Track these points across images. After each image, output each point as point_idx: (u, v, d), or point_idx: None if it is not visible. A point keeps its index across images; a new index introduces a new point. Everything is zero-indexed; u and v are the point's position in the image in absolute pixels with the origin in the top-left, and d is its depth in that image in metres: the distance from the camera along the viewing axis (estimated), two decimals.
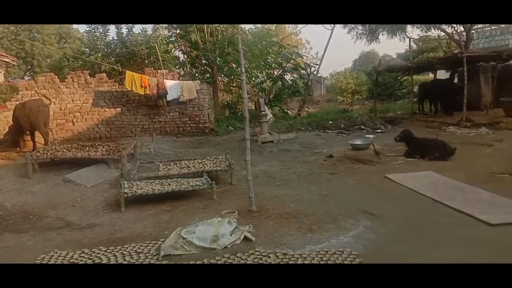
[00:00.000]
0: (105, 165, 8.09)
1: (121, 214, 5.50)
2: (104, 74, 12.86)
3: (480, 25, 17.02)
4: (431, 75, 20.56)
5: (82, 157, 8.03)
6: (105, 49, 16.79)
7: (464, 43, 14.54)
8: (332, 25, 20.33)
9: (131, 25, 17.13)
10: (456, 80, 15.64)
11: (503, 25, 17.50)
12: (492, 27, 18.13)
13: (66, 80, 12.39)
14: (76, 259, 3.93)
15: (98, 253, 4.03)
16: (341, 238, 4.07)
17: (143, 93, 11.73)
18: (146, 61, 16.13)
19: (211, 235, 4.08)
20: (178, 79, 12.73)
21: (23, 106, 9.32)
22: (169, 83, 12.10)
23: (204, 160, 7.85)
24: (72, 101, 12.29)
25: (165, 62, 16.02)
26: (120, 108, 12.46)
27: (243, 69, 5.50)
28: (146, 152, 9.40)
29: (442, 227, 4.18)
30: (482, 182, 5.76)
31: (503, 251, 3.46)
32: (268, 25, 31.94)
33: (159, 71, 12.64)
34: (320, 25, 19.89)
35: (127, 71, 11.59)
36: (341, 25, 18.89)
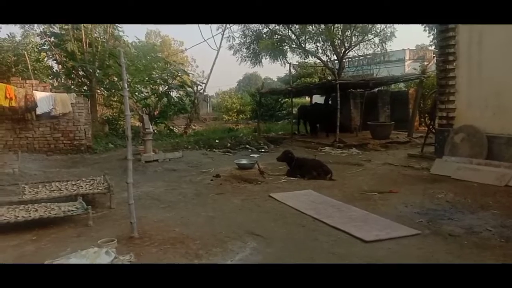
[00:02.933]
0: None
1: None
2: None
3: (350, 55, 18.95)
4: (307, 99, 22.18)
5: None
6: None
7: (337, 71, 16.00)
8: (218, 45, 20.80)
9: None
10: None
11: (369, 56, 19.76)
12: (360, 58, 20.40)
13: None
14: None
15: None
16: (229, 262, 3.98)
17: (7, 105, 10.35)
18: (13, 70, 14.42)
19: None
20: (51, 91, 11.58)
21: None
22: (39, 95, 10.92)
23: (79, 181, 7.10)
24: None
25: (35, 72, 14.51)
26: None
27: (126, 84, 5.13)
28: (9, 173, 8.23)
29: (323, 246, 4.36)
30: (355, 200, 6.24)
31: None
32: (153, 40, 31.35)
33: (28, 81, 11.39)
34: (206, 45, 20.20)
35: None
36: (226, 47, 19.45)
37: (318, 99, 19.67)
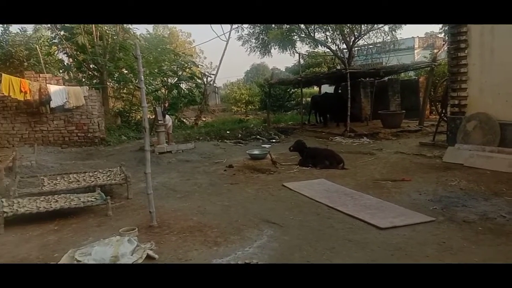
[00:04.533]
0: None
1: (0, 237, 4.79)
2: None
3: (360, 43, 18.79)
4: (316, 88, 22.09)
5: None
6: None
7: (347, 60, 15.91)
8: (227, 36, 20.82)
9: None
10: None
11: (378, 44, 19.56)
12: (370, 46, 20.21)
13: None
14: None
15: None
16: (247, 249, 4.07)
17: (22, 99, 10.52)
18: (25, 64, 14.54)
19: (109, 255, 3.75)
20: (64, 84, 11.72)
21: None
22: (53, 88, 11.07)
23: (96, 173, 7.27)
24: None
25: (47, 66, 14.62)
26: None
27: (142, 76, 5.20)
28: (27, 165, 8.41)
29: (339, 233, 4.44)
30: (368, 188, 6.30)
31: (394, 253, 3.78)
32: (161, 32, 31.36)
33: (41, 75, 11.50)
34: (213, 35, 20.15)
35: (3, 74, 10.26)
36: (236, 37, 19.37)
37: (326, 88, 19.59)
